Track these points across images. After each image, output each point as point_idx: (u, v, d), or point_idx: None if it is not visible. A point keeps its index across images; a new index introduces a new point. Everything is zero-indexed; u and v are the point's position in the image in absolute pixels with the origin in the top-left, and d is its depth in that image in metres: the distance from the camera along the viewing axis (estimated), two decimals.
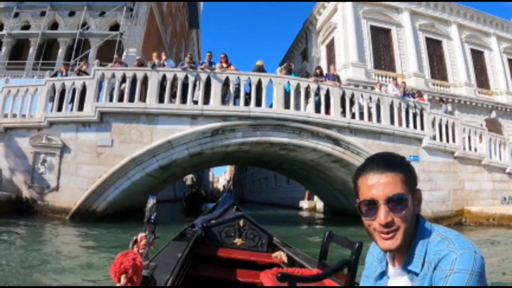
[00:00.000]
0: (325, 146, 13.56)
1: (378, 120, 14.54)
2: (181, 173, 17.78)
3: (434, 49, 27.64)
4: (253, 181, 54.22)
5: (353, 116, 14.16)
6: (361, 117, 14.35)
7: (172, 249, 3.71)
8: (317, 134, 13.43)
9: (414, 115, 15.35)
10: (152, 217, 1.99)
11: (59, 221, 11.55)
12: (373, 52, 25.67)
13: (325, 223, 17.53)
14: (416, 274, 1.22)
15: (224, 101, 13.03)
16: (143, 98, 12.95)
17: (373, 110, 14.54)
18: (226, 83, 13.12)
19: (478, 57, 28.93)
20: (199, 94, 12.79)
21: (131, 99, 12.74)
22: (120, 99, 12.86)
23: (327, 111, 13.77)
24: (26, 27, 23.41)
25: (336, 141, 13.64)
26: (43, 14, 23.25)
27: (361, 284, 1.52)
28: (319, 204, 25.18)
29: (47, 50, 23.02)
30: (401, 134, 14.72)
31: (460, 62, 27.56)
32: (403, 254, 1.28)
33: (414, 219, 1.27)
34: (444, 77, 27.21)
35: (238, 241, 4.85)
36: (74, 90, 12.95)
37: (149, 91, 12.76)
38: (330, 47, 28.29)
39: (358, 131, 14.02)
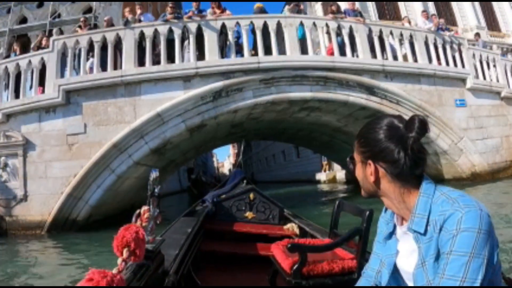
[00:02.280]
0: (358, 98, 9.99)
1: (414, 61, 11.07)
2: (182, 158, 14.12)
3: None
4: (259, 160, 50.81)
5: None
6: (395, 59, 10.84)
7: (182, 225, 3.56)
8: (346, 82, 9.87)
9: (452, 52, 11.90)
10: (156, 190, 1.85)
11: (33, 239, 8.22)
12: (375, 3, 22.10)
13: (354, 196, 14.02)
14: (420, 234, 1.10)
15: (223, 54, 9.45)
16: (118, 67, 9.34)
17: (407, 49, 11.04)
18: (223, 32, 9.51)
19: None
20: (190, 52, 9.19)
21: (103, 69, 9.19)
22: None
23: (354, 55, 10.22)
24: None
25: (370, 90, 10.10)
26: (9, 11, 20.09)
27: (373, 250, 1.40)
28: (340, 174, 21.69)
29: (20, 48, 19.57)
30: (442, 75, 11.27)
31: (468, 6, 24.12)
32: (408, 215, 1.17)
33: (377, 182, 1.21)
34: (453, 23, 23.60)
35: (249, 214, 4.63)
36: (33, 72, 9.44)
37: (124, 54, 9.17)
38: (326, 4, 24.49)
39: (395, 75, 10.50)
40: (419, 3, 22.49)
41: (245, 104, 9.26)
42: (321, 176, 24.86)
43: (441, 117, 10.75)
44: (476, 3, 24.69)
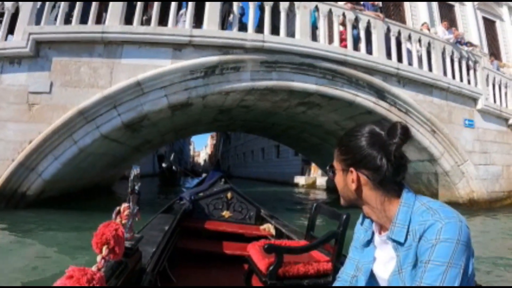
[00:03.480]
0: (366, 100, 8.82)
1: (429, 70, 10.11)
2: (160, 139, 12.66)
3: (446, 14, 23.20)
4: (237, 155, 49.28)
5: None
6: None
7: (159, 222, 3.45)
8: (356, 81, 8.69)
9: (468, 69, 11.00)
10: (136, 187, 1.83)
11: None
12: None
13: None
14: (400, 244, 1.11)
15: (224, 27, 8.14)
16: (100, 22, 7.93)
17: (423, 57, 10.00)
18: (227, 1, 8.20)
19: (490, 27, 24.72)
20: (187, 18, 7.84)
21: (84, 21, 7.73)
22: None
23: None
24: None
25: (380, 93, 8.96)
26: None
27: (349, 255, 1.41)
28: (320, 180, 20.51)
29: None
30: (456, 90, 10.30)
31: (473, 30, 23.38)
32: (388, 223, 1.16)
33: (358, 190, 1.18)
34: None
35: (226, 213, 4.59)
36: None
37: (110, 7, 7.74)
38: None
39: (408, 82, 9.43)
40: (426, 17, 21.69)
41: (240, 87, 7.92)
42: (300, 179, 23.66)
43: (449, 135, 9.77)
44: (482, 30, 24.08)
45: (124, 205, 1.72)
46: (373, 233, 1.27)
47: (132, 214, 1.76)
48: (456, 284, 0.97)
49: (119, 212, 1.68)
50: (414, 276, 1.03)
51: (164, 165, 20.82)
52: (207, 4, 7.89)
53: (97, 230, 1.41)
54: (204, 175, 14.00)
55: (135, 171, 1.82)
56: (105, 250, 1.36)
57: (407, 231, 1.08)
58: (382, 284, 1.21)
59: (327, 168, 1.30)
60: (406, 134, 1.11)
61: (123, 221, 1.65)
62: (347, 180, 1.18)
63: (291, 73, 8.20)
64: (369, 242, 1.28)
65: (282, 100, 9.17)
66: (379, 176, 1.12)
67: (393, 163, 1.10)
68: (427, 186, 10.78)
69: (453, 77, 10.41)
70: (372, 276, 1.24)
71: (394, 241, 1.11)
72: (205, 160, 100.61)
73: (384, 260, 1.19)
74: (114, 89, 7.32)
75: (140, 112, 7.53)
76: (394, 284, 1.10)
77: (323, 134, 12.32)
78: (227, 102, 8.91)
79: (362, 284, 1.25)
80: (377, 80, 8.83)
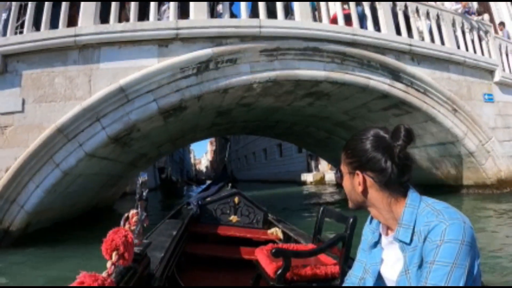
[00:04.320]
0: (380, 82, 7.73)
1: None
2: (155, 152, 11.45)
3: None
4: (238, 158, 48.31)
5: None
6: None
7: (167, 227, 3.43)
8: (368, 62, 7.59)
9: (480, 40, 9.97)
10: (144, 193, 1.80)
11: None
12: None
13: None
14: (406, 244, 1.09)
15: (214, 15, 7.04)
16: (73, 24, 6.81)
17: (434, 31, 8.98)
18: None
19: None
20: (171, 9, 6.73)
21: (54, 26, 6.59)
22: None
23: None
24: None
25: (394, 74, 7.88)
26: None
27: (357, 257, 1.37)
28: (329, 175, 19.42)
29: None
30: (472, 64, 9.29)
31: None
32: (394, 224, 1.15)
33: (365, 192, 1.17)
34: None
35: (233, 218, 4.47)
36: None
37: (82, 6, 6.61)
38: None
39: (422, 59, 8.40)
40: None
41: (240, 81, 6.76)
42: (307, 177, 22.59)
43: (471, 112, 8.76)
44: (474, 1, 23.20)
45: (133, 211, 1.73)
46: (380, 235, 1.24)
47: (140, 220, 1.76)
48: (461, 284, 0.95)
49: (127, 219, 1.68)
50: (420, 277, 1.02)
51: (163, 176, 20.38)
52: None
53: (107, 237, 1.40)
54: (208, 182, 13.11)
55: (142, 178, 1.81)
56: (114, 256, 1.36)
57: (413, 232, 1.06)
58: (389, 284, 1.19)
59: (336, 171, 1.30)
60: (409, 136, 1.10)
61: (132, 227, 1.66)
62: (354, 183, 1.18)
63: (296, 60, 7.08)
64: (377, 243, 1.25)
65: (287, 93, 8.04)
66: (384, 178, 1.11)
67: (397, 164, 1.10)
68: (450, 170, 9.77)
69: (467, 49, 9.39)
70: (379, 277, 1.22)
71: (400, 241, 1.09)
72: (206, 167, 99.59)
73: (391, 262, 1.17)
74: (94, 99, 6.19)
75: (127, 122, 6.38)
76: (401, 285, 1.08)
77: (331, 126, 11.23)
78: (226, 101, 7.78)
79: (370, 285, 1.23)
80: (390, 60, 7.75)
